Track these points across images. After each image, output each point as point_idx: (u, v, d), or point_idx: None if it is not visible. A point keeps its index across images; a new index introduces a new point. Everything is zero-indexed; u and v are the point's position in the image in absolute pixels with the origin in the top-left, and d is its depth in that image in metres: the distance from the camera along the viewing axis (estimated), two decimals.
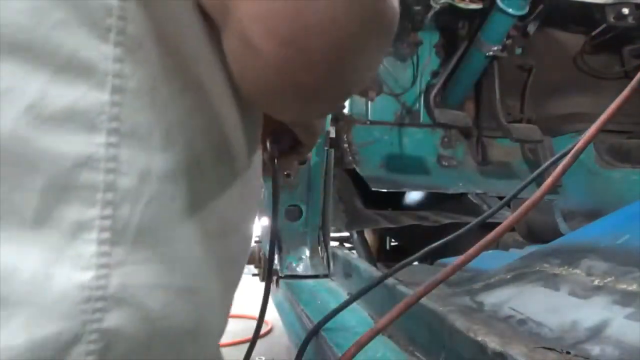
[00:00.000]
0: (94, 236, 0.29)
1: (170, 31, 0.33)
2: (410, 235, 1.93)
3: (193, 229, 0.34)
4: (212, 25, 0.35)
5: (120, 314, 0.30)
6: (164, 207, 0.32)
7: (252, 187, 0.42)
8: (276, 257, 1.25)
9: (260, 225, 1.49)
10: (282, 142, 0.55)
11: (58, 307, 0.28)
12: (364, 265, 1.04)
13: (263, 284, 0.67)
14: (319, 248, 1.28)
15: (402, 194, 2.01)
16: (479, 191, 1.73)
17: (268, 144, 0.54)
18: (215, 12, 0.33)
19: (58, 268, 0.28)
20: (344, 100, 1.16)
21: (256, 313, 0.64)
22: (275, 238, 0.61)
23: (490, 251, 1.42)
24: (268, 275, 0.64)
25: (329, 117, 1.31)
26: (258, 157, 0.44)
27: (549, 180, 0.49)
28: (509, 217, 0.51)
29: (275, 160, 0.55)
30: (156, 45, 0.32)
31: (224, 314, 0.41)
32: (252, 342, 0.65)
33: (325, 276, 1.23)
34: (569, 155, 0.50)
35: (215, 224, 0.37)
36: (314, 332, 0.73)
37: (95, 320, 0.29)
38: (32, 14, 0.28)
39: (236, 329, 1.71)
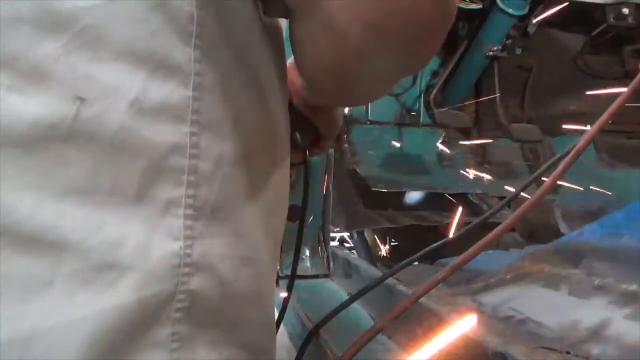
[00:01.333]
0: (181, 212, 0.34)
1: (236, 35, 0.37)
2: (410, 235, 1.93)
3: (251, 208, 0.39)
4: (268, 30, 0.40)
5: (202, 278, 0.34)
6: (232, 188, 0.37)
7: (286, 174, 0.47)
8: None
9: None
10: (307, 135, 0.59)
11: (158, 271, 0.32)
12: (364, 265, 1.04)
13: None
14: (319, 248, 1.28)
15: (402, 194, 2.01)
16: (479, 191, 1.73)
17: (298, 137, 0.58)
18: (298, 1, 0.37)
19: (155, 238, 0.32)
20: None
21: None
22: (302, 228, 0.64)
23: (490, 251, 1.41)
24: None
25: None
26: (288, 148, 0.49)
27: (549, 180, 0.49)
28: (509, 217, 0.51)
29: (307, 151, 0.59)
30: (225, 47, 0.36)
31: (273, 283, 0.46)
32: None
33: (325, 276, 1.23)
34: (570, 155, 0.50)
35: (265, 204, 0.41)
36: (314, 332, 0.73)
37: (184, 282, 0.33)
38: (134, 24, 0.32)
39: None
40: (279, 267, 1.25)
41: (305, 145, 0.59)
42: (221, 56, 0.36)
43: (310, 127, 0.58)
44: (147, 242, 0.32)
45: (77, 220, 0.30)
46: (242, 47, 0.38)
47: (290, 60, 0.50)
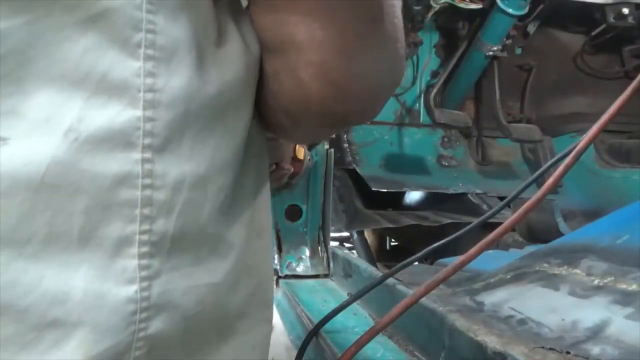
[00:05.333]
0: (134, 251, 0.30)
1: (204, 36, 0.33)
2: (410, 235, 1.94)
3: (218, 232, 0.36)
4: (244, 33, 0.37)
5: (162, 319, 0.31)
6: (194, 214, 0.33)
7: (266, 198, 0.44)
8: (276, 257, 1.25)
9: None
10: None
11: (110, 322, 0.29)
12: (364, 265, 1.04)
13: None
14: (319, 248, 1.28)
15: (402, 194, 2.01)
16: (479, 191, 1.73)
17: None
18: (270, 43, 0.37)
19: (106, 285, 0.29)
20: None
21: None
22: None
23: (490, 251, 1.42)
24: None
25: None
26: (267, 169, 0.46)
27: (550, 181, 0.49)
28: (509, 218, 0.51)
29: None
30: (191, 53, 0.32)
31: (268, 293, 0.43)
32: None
33: (326, 276, 1.23)
34: (570, 156, 0.50)
35: (242, 226, 0.38)
36: (314, 332, 0.73)
37: (142, 329, 0.30)
38: (62, 44, 0.28)
39: None
40: (279, 267, 1.25)
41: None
42: (187, 64, 0.32)
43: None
44: (96, 291, 0.28)
45: (9, 277, 0.27)
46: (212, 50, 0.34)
47: None
